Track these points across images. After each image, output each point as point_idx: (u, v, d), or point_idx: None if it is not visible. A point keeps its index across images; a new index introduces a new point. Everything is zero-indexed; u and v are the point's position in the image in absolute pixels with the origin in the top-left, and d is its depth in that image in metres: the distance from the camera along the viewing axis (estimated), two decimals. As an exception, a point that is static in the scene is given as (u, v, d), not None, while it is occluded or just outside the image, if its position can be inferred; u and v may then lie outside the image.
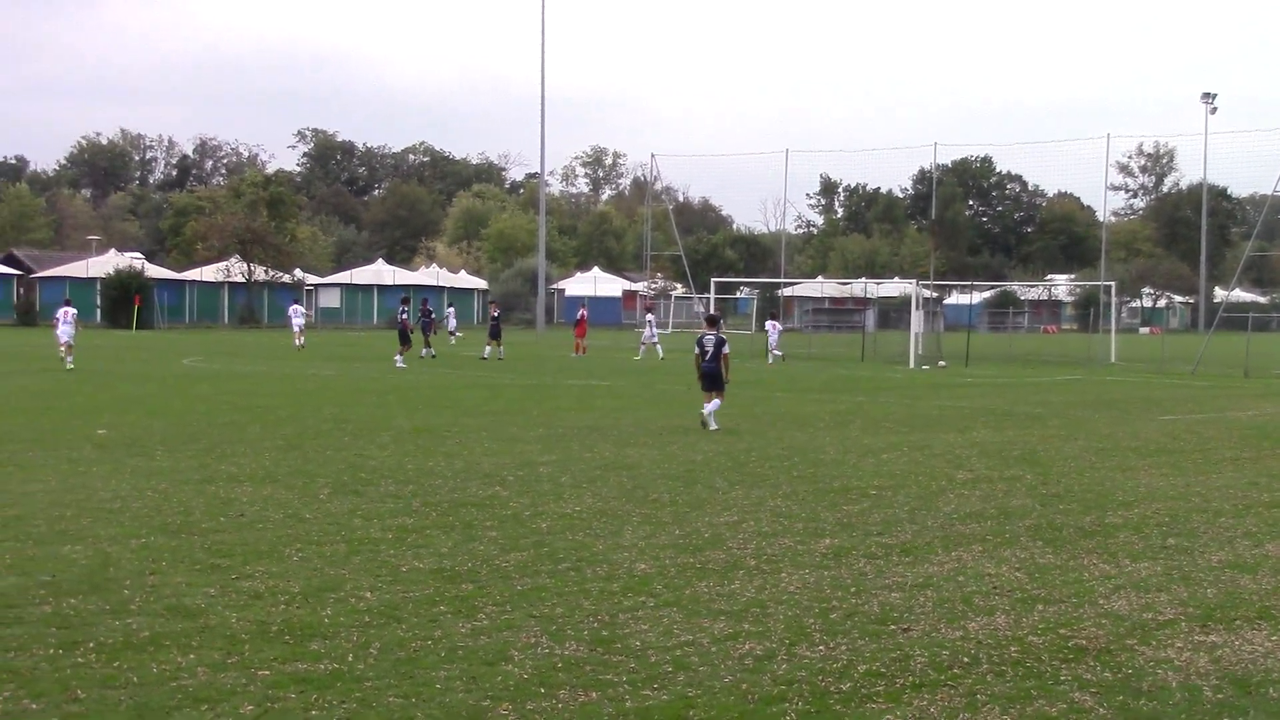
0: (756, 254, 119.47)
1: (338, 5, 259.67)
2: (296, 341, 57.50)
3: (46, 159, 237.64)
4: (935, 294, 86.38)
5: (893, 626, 9.70)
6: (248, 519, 13.47)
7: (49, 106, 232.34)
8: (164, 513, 13.71)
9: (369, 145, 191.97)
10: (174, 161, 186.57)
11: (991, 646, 9.22)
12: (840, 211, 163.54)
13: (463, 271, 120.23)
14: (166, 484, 15.68)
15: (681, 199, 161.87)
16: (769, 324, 55.47)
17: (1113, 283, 73.30)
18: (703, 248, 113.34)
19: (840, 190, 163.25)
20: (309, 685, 8.01)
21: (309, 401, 28.33)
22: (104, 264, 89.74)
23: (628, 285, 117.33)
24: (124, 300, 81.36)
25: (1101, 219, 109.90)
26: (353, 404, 27.89)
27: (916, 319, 53.94)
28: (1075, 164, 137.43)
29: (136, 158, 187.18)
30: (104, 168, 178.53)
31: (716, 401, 23.62)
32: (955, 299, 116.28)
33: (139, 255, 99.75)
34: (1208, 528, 14.24)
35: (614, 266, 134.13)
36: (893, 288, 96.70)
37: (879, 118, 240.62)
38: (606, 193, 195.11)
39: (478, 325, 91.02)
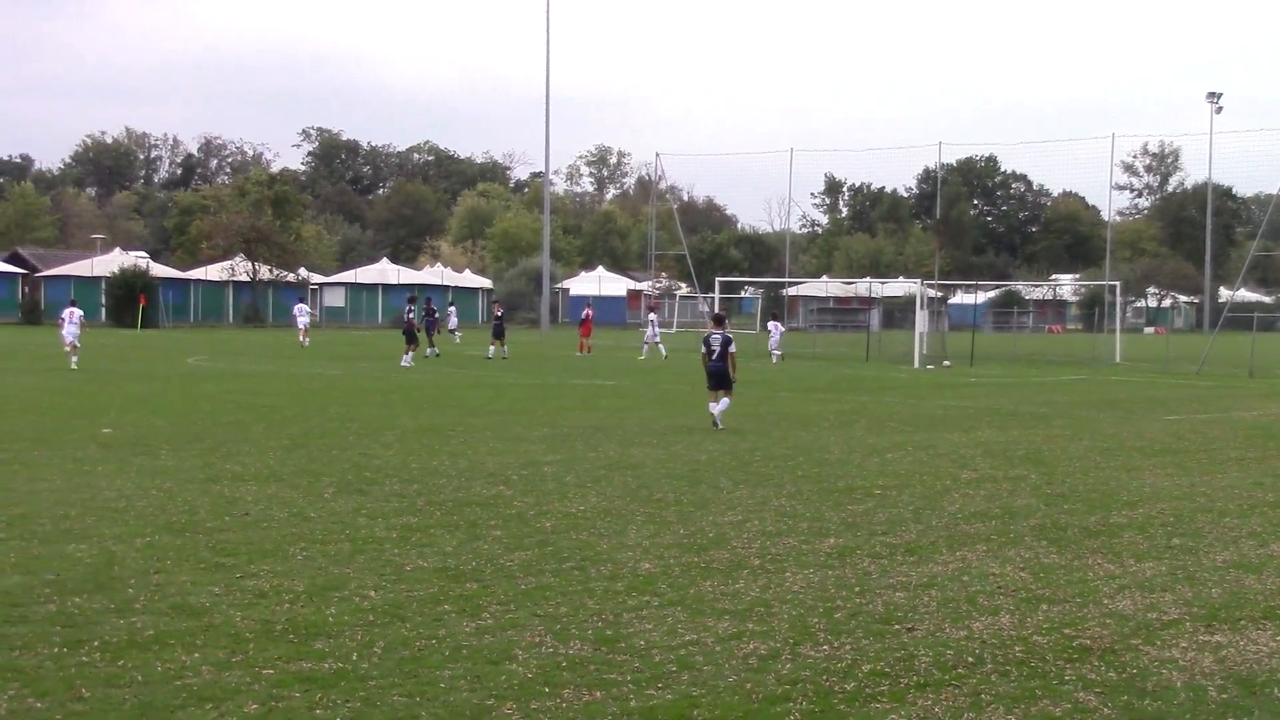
0: (761, 253, 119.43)
1: (340, 4, 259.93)
2: (301, 339, 57.62)
3: (51, 158, 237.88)
4: (940, 294, 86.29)
5: (897, 626, 9.70)
6: (252, 518, 13.48)
7: (53, 105, 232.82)
8: (169, 512, 13.72)
9: (373, 144, 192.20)
10: (179, 160, 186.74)
11: (996, 646, 9.22)
12: (845, 211, 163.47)
13: (467, 271, 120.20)
14: (171, 483, 15.69)
15: (686, 198, 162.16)
16: (771, 324, 55.47)
17: (1117, 282, 73.13)
18: (707, 247, 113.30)
19: (845, 189, 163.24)
20: (313, 684, 8.01)
21: (314, 401, 28.34)
22: (109, 263, 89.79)
23: (632, 285, 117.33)
24: (129, 299, 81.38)
25: (1106, 218, 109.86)
26: (357, 403, 27.90)
27: (921, 319, 53.88)
28: (1080, 163, 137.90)
29: (141, 156, 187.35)
30: (109, 166, 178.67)
31: (725, 401, 23.66)
32: (960, 299, 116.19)
33: (144, 254, 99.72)
34: (1212, 528, 14.22)
35: (618, 266, 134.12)
36: (897, 287, 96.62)
37: (884, 117, 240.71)
38: (611, 192, 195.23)
39: (482, 325, 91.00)
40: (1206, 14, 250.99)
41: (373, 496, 15.00)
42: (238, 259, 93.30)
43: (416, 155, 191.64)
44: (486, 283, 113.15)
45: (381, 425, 22.91)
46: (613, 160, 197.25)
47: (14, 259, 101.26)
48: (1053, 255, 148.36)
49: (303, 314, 60.87)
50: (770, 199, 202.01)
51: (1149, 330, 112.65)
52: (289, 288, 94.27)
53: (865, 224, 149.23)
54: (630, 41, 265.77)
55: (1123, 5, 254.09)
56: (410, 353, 43.11)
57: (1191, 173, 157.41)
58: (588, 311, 57.76)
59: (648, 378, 39.33)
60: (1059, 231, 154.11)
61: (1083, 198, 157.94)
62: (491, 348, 49.39)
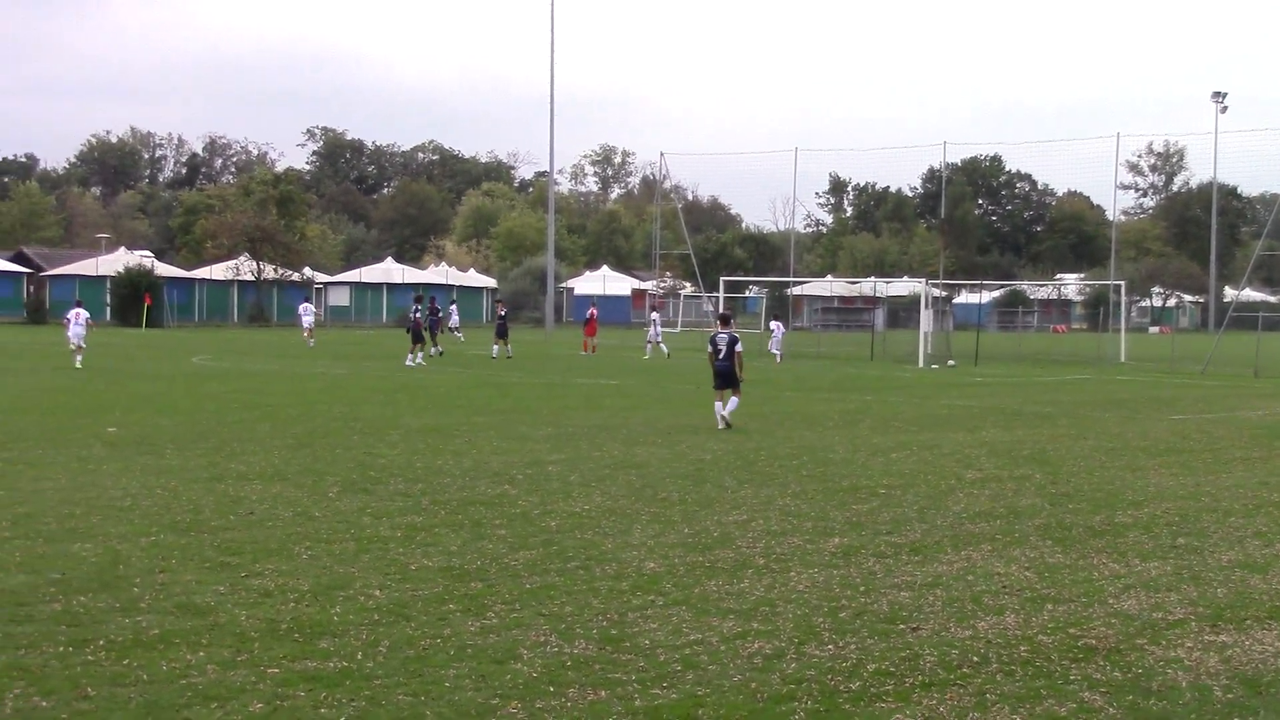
0: (765, 253, 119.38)
1: (346, 4, 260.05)
2: (305, 337, 57.70)
3: (56, 157, 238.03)
4: (944, 293, 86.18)
5: (902, 625, 9.70)
6: (257, 517, 13.49)
7: (58, 105, 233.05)
8: (173, 511, 13.73)
9: (378, 144, 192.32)
10: (183, 160, 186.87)
11: (1001, 646, 9.21)
12: (849, 210, 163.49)
13: (472, 270, 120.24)
14: (176, 482, 15.70)
15: (690, 197, 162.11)
16: (773, 324, 55.45)
17: (1122, 282, 73.13)
18: (712, 246, 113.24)
19: (849, 189, 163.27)
20: (318, 683, 8.02)
21: (318, 400, 28.36)
22: (113, 262, 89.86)
23: (637, 284, 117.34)
24: (133, 298, 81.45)
25: (1111, 218, 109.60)
26: (362, 402, 27.92)
27: (925, 318, 53.87)
28: (1085, 163, 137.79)
29: (146, 156, 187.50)
30: (114, 166, 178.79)
31: (735, 400, 23.69)
32: (964, 298, 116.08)
33: (148, 253, 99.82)
34: (1218, 527, 14.21)
35: (623, 265, 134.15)
36: (902, 287, 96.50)
37: (889, 116, 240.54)
38: (615, 191, 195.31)
39: (487, 324, 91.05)
40: (1211, 13, 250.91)
41: (377, 496, 15.01)
42: (242, 258, 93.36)
43: (421, 155, 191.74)
44: (491, 282, 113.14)
45: (386, 424, 22.92)
46: (617, 159, 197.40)
47: (19, 258, 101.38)
48: (1057, 255, 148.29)
49: (308, 314, 60.94)
50: (775, 198, 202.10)
51: (1154, 330, 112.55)
52: (294, 287, 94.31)
53: (870, 223, 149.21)
54: (635, 40, 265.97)
55: (1128, 5, 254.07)
56: (419, 353, 43.11)
57: (1196, 172, 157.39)
58: (593, 311, 57.77)
59: (652, 377, 39.33)
60: (1064, 231, 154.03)
61: (1087, 197, 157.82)
62: (495, 347, 49.42)
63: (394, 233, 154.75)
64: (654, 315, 57.32)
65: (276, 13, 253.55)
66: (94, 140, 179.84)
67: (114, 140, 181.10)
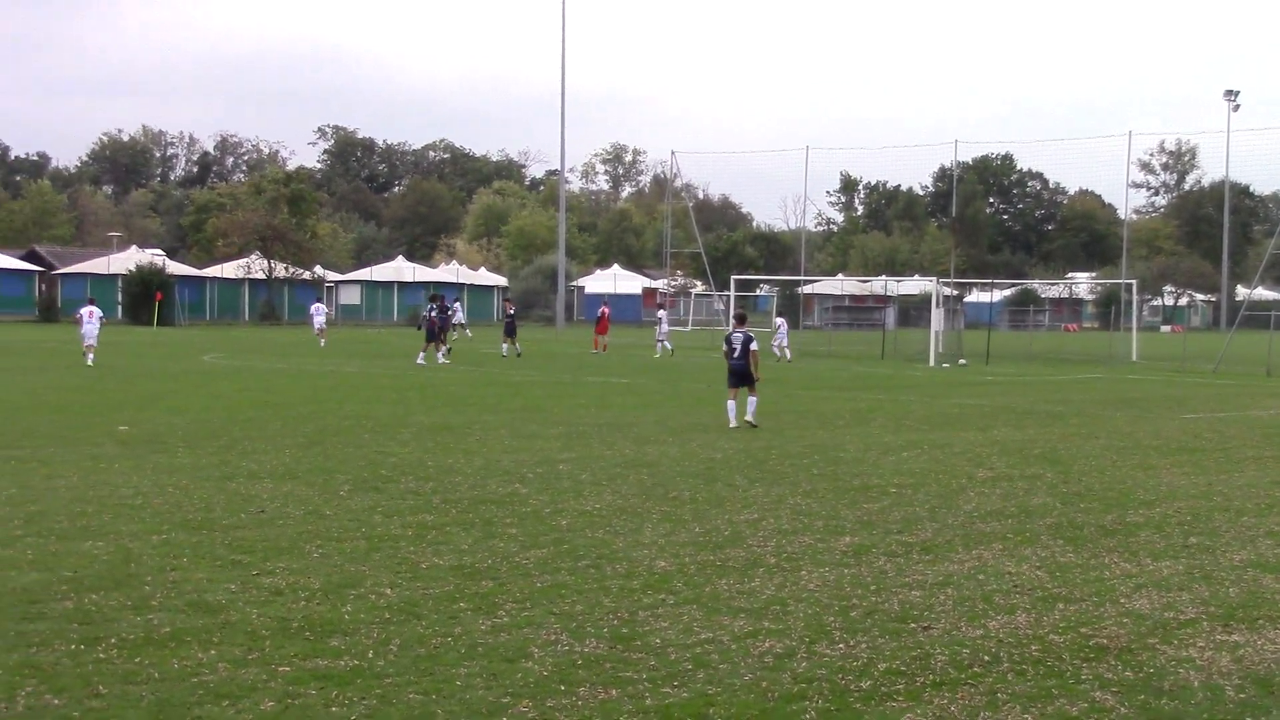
0: (776, 251, 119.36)
1: (357, 3, 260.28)
2: (316, 336, 57.82)
3: (68, 156, 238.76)
4: (955, 292, 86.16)
5: (913, 625, 9.69)
6: (268, 515, 13.50)
7: (70, 104, 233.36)
8: (185, 509, 13.75)
9: (389, 142, 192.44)
10: (195, 158, 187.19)
11: (1012, 645, 9.20)
12: (860, 209, 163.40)
13: (483, 269, 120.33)
14: (187, 480, 15.72)
15: (701, 196, 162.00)
16: (778, 320, 55.42)
17: (1134, 281, 73.01)
18: (723, 245, 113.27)
19: (860, 188, 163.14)
20: (329, 682, 8.02)
21: (329, 398, 28.39)
22: (125, 260, 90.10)
23: (648, 282, 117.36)
24: (145, 297, 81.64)
25: (1123, 217, 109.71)
26: (373, 401, 27.94)
27: (937, 317, 53.79)
28: (1096, 161, 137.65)
29: (158, 154, 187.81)
30: (125, 164, 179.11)
31: (753, 400, 23.71)
32: (976, 297, 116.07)
33: (160, 252, 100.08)
34: (1230, 527, 14.18)
35: (634, 264, 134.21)
36: (913, 285, 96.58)
37: (899, 115, 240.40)
38: (626, 190, 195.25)
39: (497, 323, 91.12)
40: (1224, 12, 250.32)
41: (388, 494, 15.02)
42: (253, 257, 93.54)
43: (432, 153, 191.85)
44: (502, 280, 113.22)
45: (397, 423, 22.94)
46: (628, 158, 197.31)
47: (31, 257, 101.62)
48: (1069, 253, 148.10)
49: (319, 314, 61.05)
50: (786, 197, 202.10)
51: (1165, 329, 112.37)
52: (305, 285, 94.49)
53: (881, 222, 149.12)
54: (647, 39, 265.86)
55: (1139, 3, 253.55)
56: (437, 350, 43.16)
57: (1208, 171, 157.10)
58: (604, 310, 57.78)
59: (663, 376, 39.33)
60: (1075, 230, 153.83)
61: (1099, 196, 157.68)
62: (504, 345, 49.48)
63: (405, 231, 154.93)
64: (661, 313, 57.34)
65: (289, 12, 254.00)
66: (105, 139, 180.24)
67: (125, 139, 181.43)
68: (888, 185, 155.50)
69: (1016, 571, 11.58)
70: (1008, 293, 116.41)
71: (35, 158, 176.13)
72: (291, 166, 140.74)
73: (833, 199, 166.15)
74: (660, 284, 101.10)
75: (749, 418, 23.39)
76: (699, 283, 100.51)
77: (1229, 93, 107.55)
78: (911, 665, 8.66)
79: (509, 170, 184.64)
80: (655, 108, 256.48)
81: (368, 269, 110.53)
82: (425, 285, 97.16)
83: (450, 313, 56.38)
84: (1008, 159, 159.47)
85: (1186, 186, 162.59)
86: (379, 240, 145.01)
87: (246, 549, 11.74)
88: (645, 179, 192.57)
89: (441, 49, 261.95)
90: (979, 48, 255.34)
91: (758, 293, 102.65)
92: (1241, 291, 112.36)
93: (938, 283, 62.03)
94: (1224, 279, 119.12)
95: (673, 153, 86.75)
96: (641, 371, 41.80)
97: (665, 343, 54.00)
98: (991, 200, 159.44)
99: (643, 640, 9.08)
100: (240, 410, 25.07)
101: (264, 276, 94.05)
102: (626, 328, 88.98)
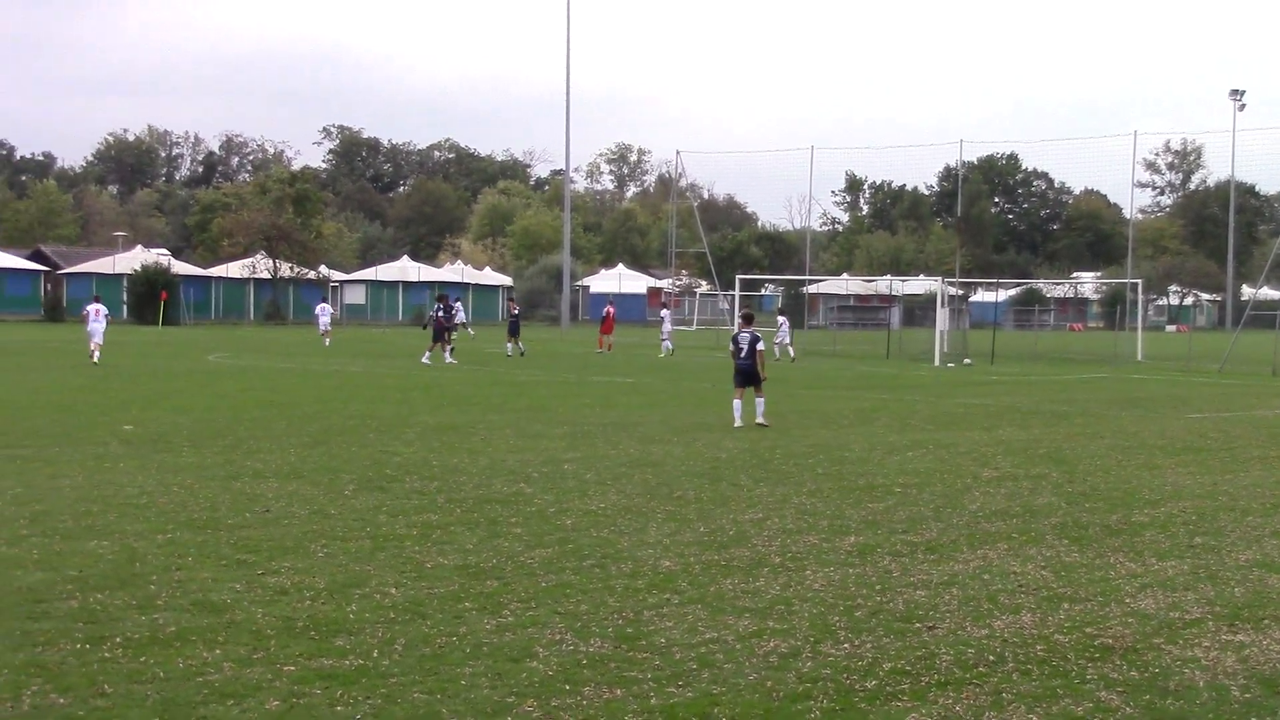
0: (781, 251, 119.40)
1: (361, 3, 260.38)
2: (321, 335, 57.87)
3: (74, 156, 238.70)
4: (960, 291, 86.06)
5: (918, 624, 9.68)
6: (273, 515, 13.51)
7: (75, 104, 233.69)
8: (190, 508, 13.76)
9: (394, 142, 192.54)
10: (200, 158, 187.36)
11: (1017, 645, 9.19)
12: (865, 208, 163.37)
13: (488, 268, 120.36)
14: (192, 480, 15.73)
15: (706, 196, 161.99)
16: (779, 318, 55.41)
17: (1139, 280, 72.91)
18: (727, 245, 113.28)
19: (865, 187, 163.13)
20: (334, 681, 8.02)
21: (334, 398, 28.40)
22: (130, 260, 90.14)
23: (653, 282, 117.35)
24: (150, 296, 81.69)
25: (1128, 216, 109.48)
26: (377, 401, 27.95)
27: (942, 316, 53.79)
28: (1102, 161, 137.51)
29: (163, 154, 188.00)
30: (131, 164, 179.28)
31: (762, 401, 23.72)
32: (981, 296, 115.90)
33: (165, 251, 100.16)
34: (1235, 526, 14.17)
35: (639, 263, 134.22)
36: (918, 285, 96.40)
37: (905, 114, 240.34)
38: (631, 190, 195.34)
39: (502, 322, 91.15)
40: (1230, 11, 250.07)
41: (393, 494, 15.02)
42: (259, 256, 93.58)
43: (437, 153, 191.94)
44: (507, 280, 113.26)
45: (402, 423, 22.95)
46: (633, 158, 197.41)
47: (36, 256, 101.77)
48: (1074, 253, 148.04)
49: (325, 313, 61.10)
50: (791, 197, 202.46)
51: (1171, 328, 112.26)
52: (310, 285, 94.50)
53: (886, 222, 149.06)
54: (652, 39, 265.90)
55: (1145, 2, 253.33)
56: (444, 350, 43.18)
57: (1214, 170, 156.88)
58: (610, 309, 57.79)
59: (668, 375, 39.33)
60: (1080, 229, 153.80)
61: (1104, 195, 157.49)
62: (509, 345, 49.54)
63: (410, 231, 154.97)
64: (664, 312, 57.34)
65: (294, 12, 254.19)
66: (111, 139, 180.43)
67: (131, 139, 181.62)
68: (893, 185, 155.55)
69: (1021, 571, 11.57)
70: (1013, 292, 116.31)
71: (41, 158, 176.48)
72: (297, 166, 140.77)
73: (838, 199, 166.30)
74: (665, 284, 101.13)
75: (760, 419, 23.40)
76: (704, 282, 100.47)
77: (1235, 92, 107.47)
78: (916, 665, 8.66)
79: (514, 170, 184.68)
80: (661, 108, 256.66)
81: (373, 269, 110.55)
82: (430, 285, 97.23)
83: (452, 313, 56.47)
84: (1013, 158, 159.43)
85: (1192, 186, 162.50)
86: (384, 240, 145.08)
87: (251, 548, 11.75)
88: (650, 179, 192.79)
89: (446, 49, 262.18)
90: (984, 47, 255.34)
91: (763, 292, 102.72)
92: (1247, 291, 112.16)
93: (943, 282, 61.99)
94: (1229, 278, 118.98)
95: (678, 152, 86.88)
96: (646, 371, 41.80)
97: (667, 342, 54.04)
98: (997, 200, 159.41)
99: (647, 640, 9.08)
100: (245, 410, 25.08)
101: (269, 276, 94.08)
102: (631, 327, 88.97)
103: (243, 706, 7.56)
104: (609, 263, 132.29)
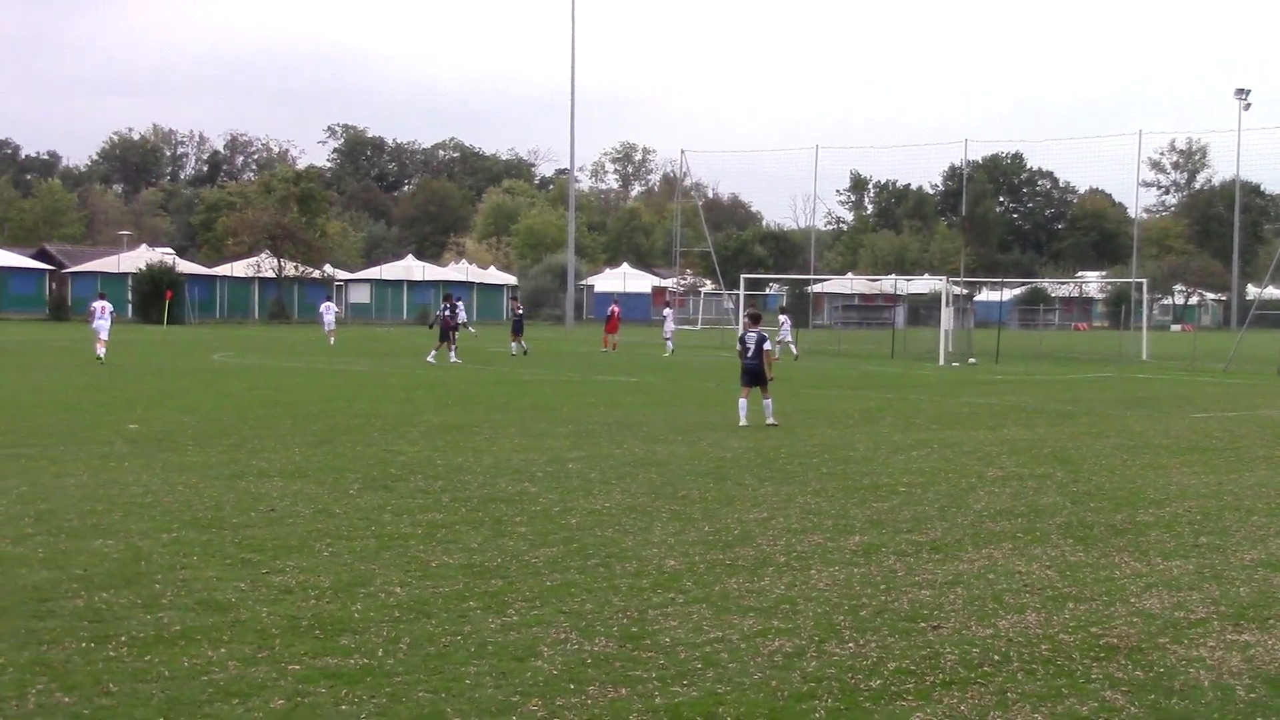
0: (786, 250, 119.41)
1: (366, 2, 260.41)
2: (326, 334, 57.90)
3: (79, 155, 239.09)
4: (965, 291, 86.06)
5: (923, 624, 9.67)
6: (278, 514, 13.51)
7: (80, 103, 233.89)
8: (195, 507, 13.77)
9: (399, 141, 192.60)
10: (205, 157, 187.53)
11: (1022, 644, 9.18)
12: (870, 208, 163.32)
13: (492, 267, 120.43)
14: (197, 479, 15.74)
15: (711, 195, 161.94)
16: (781, 317, 55.46)
17: (1144, 280, 72.96)
18: (732, 244, 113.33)
19: (870, 186, 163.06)
20: (339, 680, 8.03)
21: (339, 397, 28.41)
22: (135, 259, 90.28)
23: (657, 281, 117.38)
24: (155, 295, 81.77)
25: (1133, 215, 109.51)
26: (382, 400, 27.96)
27: (946, 316, 53.77)
28: (1107, 160, 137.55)
29: (168, 153, 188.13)
30: (136, 163, 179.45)
31: (769, 402, 23.71)
32: (985, 296, 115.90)
33: (170, 250, 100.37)
34: (1240, 526, 14.15)
35: (643, 262, 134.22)
36: (923, 284, 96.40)
37: (909, 114, 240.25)
38: (636, 189, 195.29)
39: (506, 321, 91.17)
40: (1235, 10, 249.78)
41: (398, 493, 15.03)
42: (263, 255, 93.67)
43: (441, 152, 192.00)
44: (511, 279, 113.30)
45: (406, 422, 22.96)
46: (637, 157, 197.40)
47: (41, 255, 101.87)
48: (1079, 252, 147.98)
49: (329, 312, 61.17)
50: (795, 196, 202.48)
51: (1176, 328, 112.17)
52: (314, 284, 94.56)
53: (890, 221, 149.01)
54: (656, 38, 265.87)
55: (1150, 1, 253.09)
56: (449, 350, 43.22)
57: (1219, 169, 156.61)
58: (615, 308, 57.81)
59: (672, 374, 39.32)
60: (1085, 229, 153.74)
61: (1109, 195, 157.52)
62: (513, 344, 49.59)
63: (414, 230, 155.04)
64: (666, 312, 57.35)
65: (298, 11, 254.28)
66: (116, 138, 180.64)
67: (136, 137, 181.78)
68: (897, 184, 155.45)
69: (1026, 571, 11.56)
70: (1017, 292, 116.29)
71: (46, 157, 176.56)
72: (301, 165, 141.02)
73: (842, 198, 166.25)
74: (670, 283, 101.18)
75: (769, 420, 23.39)
76: (708, 282, 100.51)
77: (1240, 91, 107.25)
78: (921, 664, 8.65)
79: (518, 169, 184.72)
80: (665, 107, 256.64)
81: (377, 268, 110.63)
82: (435, 284, 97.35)
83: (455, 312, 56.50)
84: (1018, 158, 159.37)
85: (1197, 185, 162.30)
86: (388, 239, 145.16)
87: (256, 547, 11.76)
88: (655, 178, 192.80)
89: (450, 48, 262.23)
90: (988, 46, 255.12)
91: (767, 292, 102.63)
92: (1252, 291, 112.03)
93: (947, 282, 62.00)
94: (1234, 278, 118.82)
95: (682, 151, 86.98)
96: (651, 370, 41.80)
97: (666, 341, 54.08)
98: (1001, 199, 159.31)
99: (652, 639, 9.08)
100: (250, 409, 25.10)
101: (274, 275, 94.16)
102: (636, 327, 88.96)
103: (247, 705, 7.56)
104: (613, 262, 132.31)
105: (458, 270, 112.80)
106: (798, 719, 7.61)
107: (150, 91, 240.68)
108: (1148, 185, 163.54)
